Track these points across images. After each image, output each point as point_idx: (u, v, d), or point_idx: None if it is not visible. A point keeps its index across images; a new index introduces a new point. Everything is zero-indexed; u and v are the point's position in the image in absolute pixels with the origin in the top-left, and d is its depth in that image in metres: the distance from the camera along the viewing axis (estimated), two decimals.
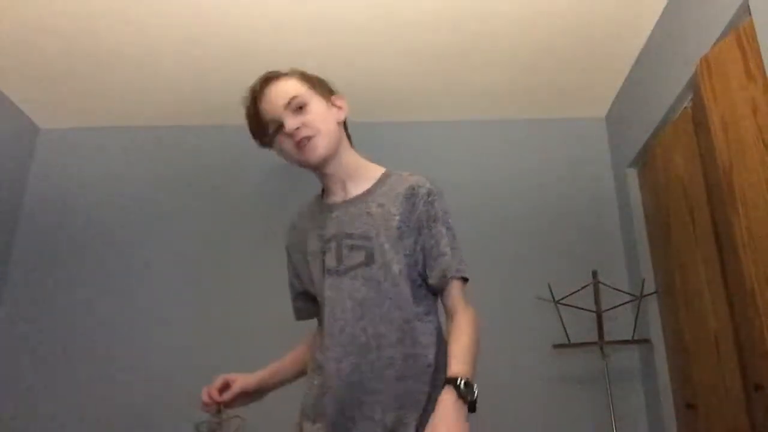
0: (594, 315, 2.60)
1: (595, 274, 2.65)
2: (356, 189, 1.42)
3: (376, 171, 1.46)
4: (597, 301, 2.60)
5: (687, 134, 2.27)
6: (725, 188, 1.86)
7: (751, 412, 1.86)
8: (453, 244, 1.40)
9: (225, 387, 1.45)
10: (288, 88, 1.39)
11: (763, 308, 1.68)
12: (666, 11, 2.37)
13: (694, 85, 2.15)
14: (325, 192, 1.49)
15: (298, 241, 1.47)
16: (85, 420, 2.62)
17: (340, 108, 1.45)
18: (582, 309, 2.60)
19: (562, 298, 2.61)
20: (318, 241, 1.40)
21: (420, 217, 1.37)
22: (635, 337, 2.60)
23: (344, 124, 1.47)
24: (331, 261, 1.35)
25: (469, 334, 1.42)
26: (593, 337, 2.58)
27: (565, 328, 2.59)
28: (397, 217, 1.35)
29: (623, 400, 2.60)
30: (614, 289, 2.66)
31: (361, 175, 1.44)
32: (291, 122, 1.35)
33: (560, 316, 2.61)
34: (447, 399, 1.27)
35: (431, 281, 1.39)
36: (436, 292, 1.43)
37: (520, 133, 3.12)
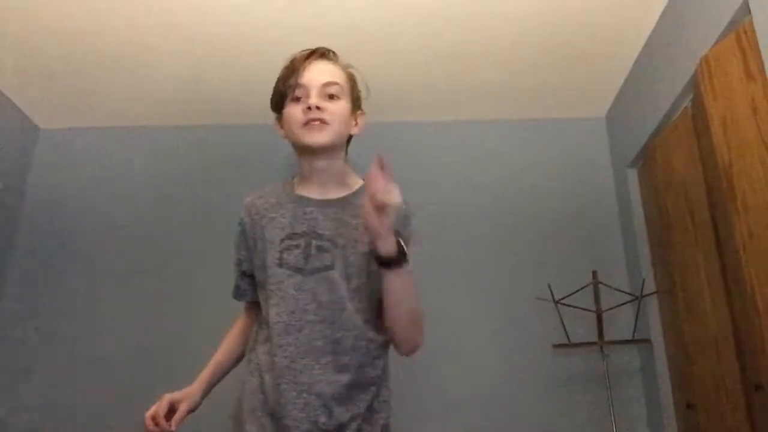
0: (594, 315, 2.60)
1: (595, 274, 2.65)
2: (334, 192, 1.43)
3: (356, 181, 1.48)
4: (597, 301, 2.60)
5: (687, 134, 2.27)
6: (725, 188, 1.86)
7: (751, 412, 1.86)
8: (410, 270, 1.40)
9: (171, 409, 1.44)
10: (335, 74, 1.42)
11: (763, 308, 1.68)
12: (666, 11, 2.37)
13: (694, 85, 2.15)
14: (297, 183, 1.47)
15: (256, 223, 1.44)
16: (85, 419, 2.62)
17: (357, 125, 1.48)
18: (582, 309, 2.60)
19: (562, 298, 2.61)
20: (280, 231, 1.38)
21: None
22: (635, 337, 2.60)
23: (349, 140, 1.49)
24: (297, 260, 1.34)
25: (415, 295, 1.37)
26: (593, 337, 2.58)
27: (565, 328, 2.59)
28: (367, 233, 1.33)
29: (623, 400, 2.60)
30: (614, 289, 2.66)
31: (342, 180, 1.45)
32: (317, 100, 1.36)
33: (560, 316, 2.61)
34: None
35: None
36: None
37: (520, 133, 3.12)
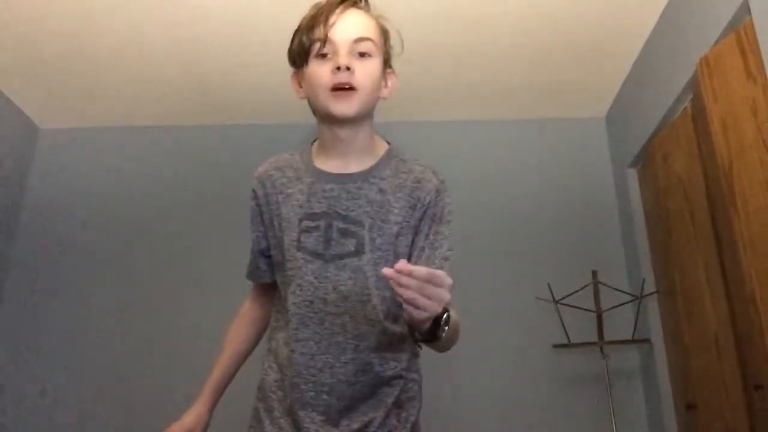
0: (594, 315, 2.60)
1: (595, 274, 2.65)
2: (358, 165, 1.25)
3: (381, 146, 1.30)
4: (597, 301, 2.60)
5: (687, 134, 2.27)
6: (725, 188, 1.86)
7: (751, 412, 1.86)
8: (447, 250, 1.24)
9: None
10: (369, 27, 1.23)
11: (763, 308, 1.68)
12: (666, 11, 2.37)
13: (694, 85, 2.15)
14: (317, 152, 1.29)
15: (270, 197, 1.28)
16: (84, 419, 2.62)
17: (387, 87, 1.31)
18: (582, 309, 2.60)
19: (562, 298, 2.61)
20: (298, 209, 1.22)
21: (423, 215, 1.22)
22: (635, 337, 2.60)
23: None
24: (317, 243, 1.19)
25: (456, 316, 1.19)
26: (593, 337, 2.58)
27: (565, 328, 2.59)
28: (396, 211, 1.21)
29: (623, 400, 2.60)
30: (614, 289, 2.65)
31: (367, 150, 1.27)
32: (347, 59, 1.16)
33: (560, 316, 2.61)
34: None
35: None
36: None
37: (520, 133, 3.12)
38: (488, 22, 2.46)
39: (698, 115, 2.17)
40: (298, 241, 1.20)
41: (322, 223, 1.20)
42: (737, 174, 1.82)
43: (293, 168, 1.29)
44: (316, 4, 1.24)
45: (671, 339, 2.46)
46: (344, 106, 1.17)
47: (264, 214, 1.30)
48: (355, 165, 1.25)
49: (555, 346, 2.59)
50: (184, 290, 2.83)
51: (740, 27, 1.86)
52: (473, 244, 2.90)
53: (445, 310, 1.03)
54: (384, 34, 1.29)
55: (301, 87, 1.26)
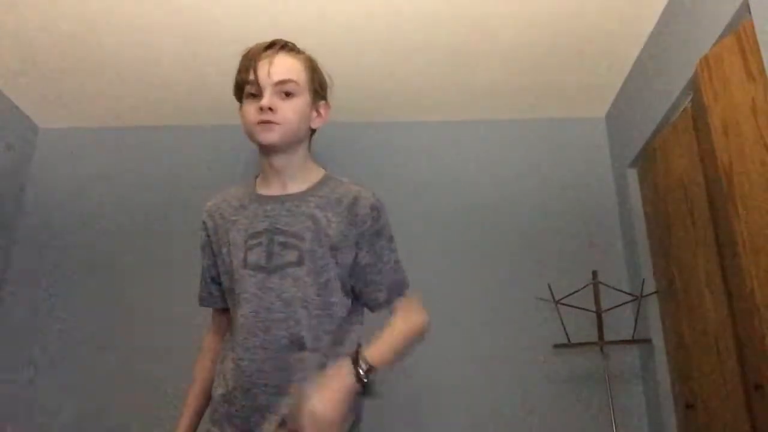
0: (594, 315, 2.60)
1: (595, 274, 2.65)
2: (295, 187, 1.37)
3: (318, 173, 1.42)
4: (597, 301, 2.60)
5: (687, 134, 2.27)
6: (725, 188, 1.86)
7: (751, 412, 1.86)
8: (396, 260, 1.38)
9: None
10: (290, 69, 1.33)
11: (763, 308, 1.68)
12: (666, 11, 2.37)
13: (694, 85, 2.15)
14: (259, 182, 1.42)
15: (220, 227, 1.39)
16: (84, 418, 2.62)
17: (320, 116, 1.41)
18: (582, 309, 2.60)
19: (562, 298, 2.61)
20: (243, 233, 1.33)
21: (361, 231, 1.32)
22: (635, 337, 2.60)
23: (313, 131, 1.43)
24: (259, 257, 1.29)
25: (402, 331, 1.32)
26: (593, 337, 2.58)
27: (565, 328, 2.59)
28: (334, 225, 1.31)
29: (623, 400, 2.60)
30: (614, 289, 2.66)
31: (303, 175, 1.39)
32: (269, 100, 1.29)
33: (560, 316, 2.61)
34: (342, 373, 1.19)
35: (368, 297, 1.36)
36: (370, 306, 1.39)
37: (520, 133, 3.12)
38: (488, 22, 2.46)
39: (698, 115, 2.17)
40: (245, 260, 1.30)
41: (264, 239, 1.30)
42: (737, 174, 1.82)
43: (238, 198, 1.42)
44: (248, 48, 1.37)
45: (671, 339, 2.46)
46: (268, 136, 1.30)
47: (213, 243, 1.41)
48: (292, 187, 1.37)
49: (555, 346, 2.59)
50: (184, 290, 2.83)
51: (740, 27, 1.86)
52: (473, 244, 2.90)
53: (365, 368, 1.18)
54: (312, 71, 1.39)
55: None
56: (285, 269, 1.27)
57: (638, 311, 2.61)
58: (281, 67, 1.32)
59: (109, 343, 2.75)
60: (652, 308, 2.60)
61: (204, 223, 1.46)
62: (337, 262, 1.30)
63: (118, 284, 2.85)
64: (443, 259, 2.84)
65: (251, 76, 1.31)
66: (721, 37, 1.95)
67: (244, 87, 1.33)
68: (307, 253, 1.28)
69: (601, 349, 2.55)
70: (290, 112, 1.31)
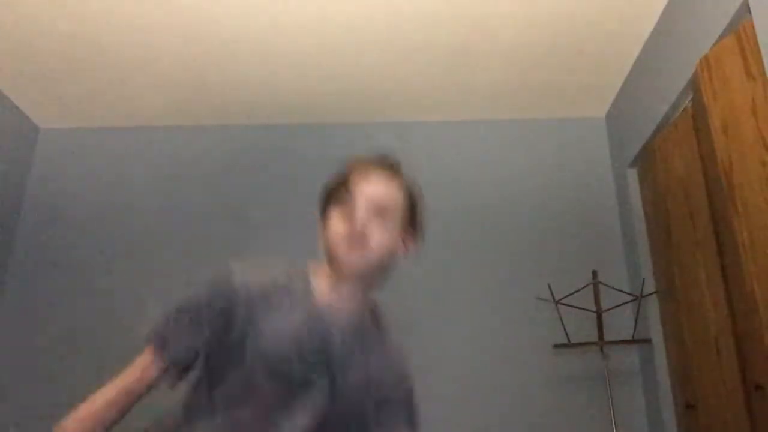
0: (594, 315, 2.60)
1: (595, 274, 2.65)
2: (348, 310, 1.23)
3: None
4: (597, 301, 2.60)
5: (687, 134, 2.27)
6: (725, 188, 1.86)
7: (751, 412, 1.86)
8: None
9: None
10: (392, 199, 1.21)
11: (763, 308, 1.68)
12: (666, 11, 2.37)
13: (694, 85, 2.15)
14: (317, 285, 1.22)
15: (252, 315, 1.20)
16: None
17: (405, 249, 1.25)
18: (582, 309, 2.60)
19: (562, 298, 2.61)
20: (295, 346, 1.15)
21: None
22: (635, 337, 2.60)
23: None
24: (293, 374, 1.16)
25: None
26: (593, 337, 2.58)
27: (565, 328, 2.59)
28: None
29: (623, 400, 2.60)
30: (614, 289, 2.66)
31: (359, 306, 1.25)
32: (365, 220, 1.16)
33: (560, 316, 2.61)
34: None
35: None
36: None
37: (520, 133, 3.12)
38: (488, 22, 2.46)
39: (698, 115, 2.17)
40: (276, 370, 1.16)
41: (314, 377, 1.16)
42: (737, 174, 1.82)
43: (300, 288, 1.23)
44: (349, 160, 1.26)
45: (671, 339, 2.46)
46: (355, 262, 1.16)
47: (233, 327, 1.23)
48: (347, 309, 1.22)
49: (555, 346, 2.59)
50: (184, 289, 2.83)
51: (740, 27, 1.86)
52: (473, 244, 2.90)
53: None
54: (411, 206, 1.26)
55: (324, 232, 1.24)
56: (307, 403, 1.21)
57: (638, 311, 2.61)
58: (382, 194, 1.22)
59: (110, 342, 2.75)
60: (652, 308, 2.60)
61: (230, 296, 1.33)
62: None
63: (118, 283, 2.85)
64: (443, 259, 2.84)
65: (347, 190, 1.21)
66: (721, 37, 1.96)
67: (336, 200, 1.22)
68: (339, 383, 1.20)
69: (601, 349, 2.55)
70: (382, 240, 1.19)
